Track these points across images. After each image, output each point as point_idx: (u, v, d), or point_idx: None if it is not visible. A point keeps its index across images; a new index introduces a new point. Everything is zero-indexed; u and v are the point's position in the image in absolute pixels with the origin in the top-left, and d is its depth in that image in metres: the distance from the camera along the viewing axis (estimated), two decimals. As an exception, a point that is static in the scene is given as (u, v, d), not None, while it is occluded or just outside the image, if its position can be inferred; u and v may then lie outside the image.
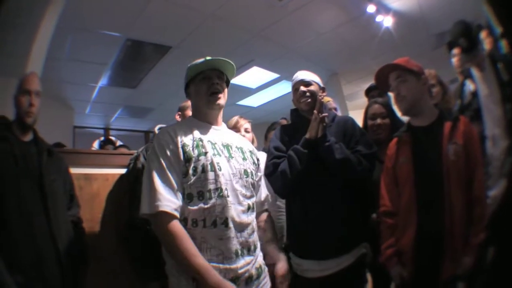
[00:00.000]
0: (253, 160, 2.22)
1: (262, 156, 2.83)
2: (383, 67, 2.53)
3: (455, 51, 3.24)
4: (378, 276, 2.88)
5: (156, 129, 2.99)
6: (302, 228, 2.56)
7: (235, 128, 3.26)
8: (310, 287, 2.54)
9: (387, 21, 6.14)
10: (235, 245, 1.87)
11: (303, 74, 2.78)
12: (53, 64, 5.48)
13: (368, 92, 3.98)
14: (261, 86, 8.49)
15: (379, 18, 6.07)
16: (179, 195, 1.85)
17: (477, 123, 2.67)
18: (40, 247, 2.25)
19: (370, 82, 4.02)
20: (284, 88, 8.41)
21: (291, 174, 2.48)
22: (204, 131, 2.07)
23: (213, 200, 1.85)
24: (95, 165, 3.34)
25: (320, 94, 2.63)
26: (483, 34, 3.61)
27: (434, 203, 2.21)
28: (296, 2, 5.51)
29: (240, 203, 1.97)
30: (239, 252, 1.89)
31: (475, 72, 2.92)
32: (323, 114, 2.49)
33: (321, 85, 2.79)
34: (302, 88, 2.71)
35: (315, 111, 2.52)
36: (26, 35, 4.08)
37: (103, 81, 7.33)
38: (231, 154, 2.06)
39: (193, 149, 1.93)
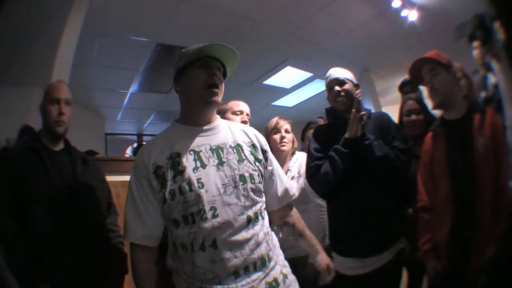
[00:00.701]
0: (255, 156, 1.90)
1: (302, 156, 2.77)
2: (415, 62, 2.54)
3: (475, 43, 3.24)
4: (412, 270, 2.92)
5: None
6: (345, 227, 2.56)
7: (276, 129, 3.23)
8: (350, 284, 2.53)
9: (412, 15, 6.10)
10: (232, 266, 1.66)
11: (336, 72, 2.74)
12: (81, 71, 5.52)
13: (402, 88, 4.01)
14: (295, 85, 8.45)
15: (404, 13, 6.05)
16: (149, 223, 1.75)
17: (500, 114, 2.67)
18: (72, 258, 2.21)
19: (401, 76, 4.14)
20: (318, 86, 8.36)
21: (334, 174, 2.46)
22: (187, 139, 1.81)
23: (196, 224, 1.67)
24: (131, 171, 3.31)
25: (355, 92, 2.64)
26: (497, 24, 3.56)
27: (468, 197, 2.21)
28: (324, 0, 5.50)
29: (235, 219, 1.70)
30: (240, 271, 1.68)
31: (494, 64, 2.94)
32: (362, 113, 2.47)
33: (355, 81, 2.76)
34: (337, 87, 2.67)
35: (353, 110, 2.49)
36: (48, 44, 4.09)
37: (134, 87, 7.39)
38: (222, 159, 1.78)
39: (168, 170, 1.72)
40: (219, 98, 1.83)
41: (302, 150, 3.59)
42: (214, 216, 1.66)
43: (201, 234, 1.66)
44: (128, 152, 10.08)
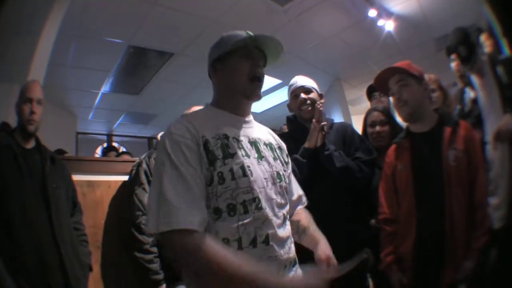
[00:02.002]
0: (283, 158, 1.79)
1: None
2: (384, 70, 2.46)
3: (454, 56, 3.19)
4: (380, 281, 2.83)
5: (159, 137, 2.99)
6: None
7: None
8: None
9: (388, 25, 6.19)
10: (277, 265, 1.46)
11: (302, 80, 2.76)
12: (56, 71, 5.52)
13: (370, 93, 3.86)
14: (264, 91, 8.35)
15: (380, 23, 6.12)
16: (203, 205, 1.38)
17: (479, 129, 2.69)
18: (44, 254, 2.25)
19: None
20: (287, 93, 8.31)
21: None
22: (228, 125, 1.61)
23: (249, 214, 1.42)
24: (98, 172, 3.35)
25: (319, 101, 2.65)
26: (483, 37, 3.64)
27: (435, 210, 2.19)
28: (298, 8, 5.55)
29: (276, 215, 1.54)
30: (280, 272, 1.48)
31: (475, 79, 2.91)
32: (323, 123, 2.49)
33: (319, 91, 2.79)
34: (303, 95, 2.69)
35: (314, 120, 2.51)
36: (28, 42, 4.10)
37: (105, 87, 7.37)
38: (261, 153, 1.62)
39: (218, 149, 1.48)
40: (260, 92, 1.69)
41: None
42: (265, 207, 1.48)
43: (253, 227, 1.43)
44: (98, 151, 10.04)
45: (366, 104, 4.21)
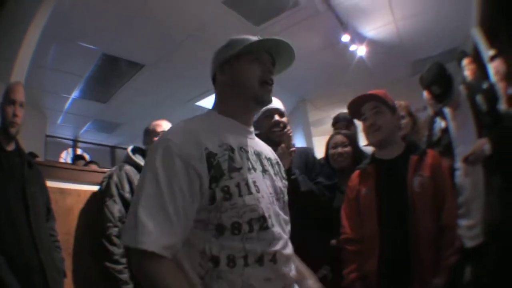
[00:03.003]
0: (282, 174, 1.70)
1: None
2: (360, 96, 2.49)
3: (426, 93, 3.26)
4: None
5: (129, 150, 3.02)
6: None
7: None
8: None
9: (360, 50, 6.31)
10: (283, 282, 1.40)
11: (277, 103, 2.75)
12: (35, 72, 5.47)
13: (335, 124, 3.90)
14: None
15: (352, 48, 6.24)
16: (178, 230, 1.24)
17: (448, 157, 2.81)
18: (27, 257, 2.23)
19: (339, 108, 4.04)
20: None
21: None
22: (234, 133, 1.50)
23: (254, 233, 1.33)
24: (69, 179, 3.32)
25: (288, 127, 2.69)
26: (465, 61, 3.75)
27: (398, 233, 2.25)
28: (272, 28, 5.70)
29: (284, 231, 1.48)
30: None
31: (447, 110, 3.02)
32: (292, 149, 2.51)
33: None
34: (277, 117, 2.70)
35: (283, 145, 2.51)
36: (14, 41, 4.08)
37: (76, 93, 7.34)
38: (264, 167, 1.53)
39: (224, 162, 1.35)
40: (271, 98, 1.58)
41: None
42: (273, 225, 1.39)
43: (259, 245, 1.34)
44: (63, 156, 9.90)
45: (328, 126, 4.28)
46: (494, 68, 3.39)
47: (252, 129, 1.63)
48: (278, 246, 1.38)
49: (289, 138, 2.54)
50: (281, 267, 1.38)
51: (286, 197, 1.63)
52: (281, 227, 1.45)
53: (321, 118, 8.70)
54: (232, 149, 1.40)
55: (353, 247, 2.45)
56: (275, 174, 1.58)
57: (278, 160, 1.76)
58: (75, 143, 10.23)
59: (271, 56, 1.62)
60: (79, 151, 9.71)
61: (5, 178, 2.29)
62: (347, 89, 6.78)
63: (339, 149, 3.03)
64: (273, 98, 2.46)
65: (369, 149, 2.76)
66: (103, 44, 5.78)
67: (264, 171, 1.50)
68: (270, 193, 1.45)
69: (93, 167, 5.42)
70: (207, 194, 1.29)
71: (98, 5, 4.83)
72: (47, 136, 8.81)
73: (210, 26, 5.47)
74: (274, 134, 2.66)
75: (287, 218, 1.58)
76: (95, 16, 5.01)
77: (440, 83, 2.88)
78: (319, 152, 3.55)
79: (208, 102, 7.91)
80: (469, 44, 5.22)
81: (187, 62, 6.38)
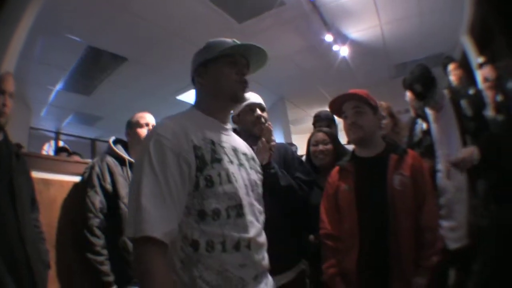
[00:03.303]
0: (256, 168, 1.85)
1: None
2: (343, 95, 2.53)
3: (408, 93, 3.35)
4: None
5: (111, 141, 3.03)
6: None
7: None
8: None
9: (343, 50, 6.35)
10: (255, 269, 1.54)
11: (258, 98, 2.78)
12: (21, 64, 5.44)
13: (316, 122, 3.96)
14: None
15: (335, 48, 6.28)
16: (175, 216, 1.39)
17: (428, 159, 2.86)
18: (13, 249, 2.22)
19: (318, 107, 4.14)
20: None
21: None
22: (214, 130, 1.67)
23: (231, 220, 1.48)
24: (52, 170, 3.32)
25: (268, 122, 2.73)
26: (451, 66, 3.81)
27: (378, 230, 2.28)
28: (255, 27, 5.73)
29: (258, 220, 1.64)
30: (258, 276, 1.57)
31: (430, 112, 3.05)
32: (272, 143, 2.57)
33: None
34: (259, 112, 2.72)
35: (263, 139, 2.56)
36: (5, 31, 4.06)
37: (61, 85, 7.30)
38: (240, 161, 1.69)
39: (207, 153, 1.52)
40: (245, 97, 1.80)
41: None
42: (248, 213, 1.55)
43: (237, 231, 1.49)
44: (45, 148, 9.82)
45: (308, 125, 4.37)
46: (482, 75, 3.42)
47: (228, 126, 1.80)
48: (252, 233, 1.53)
49: (269, 132, 2.60)
50: (255, 254, 1.54)
51: (260, 190, 1.79)
52: (254, 217, 1.61)
53: (301, 117, 8.73)
54: (213, 143, 1.58)
55: (332, 242, 2.48)
56: (251, 168, 1.75)
57: (254, 155, 1.92)
58: (57, 135, 10.16)
59: (245, 58, 1.77)
60: (61, 144, 9.63)
61: None
62: (328, 88, 6.81)
63: (320, 147, 3.07)
64: (254, 94, 2.66)
65: (351, 148, 2.79)
66: (89, 37, 5.77)
67: (240, 164, 1.67)
68: (246, 185, 1.62)
69: (76, 158, 5.41)
70: (192, 182, 1.45)
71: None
72: (31, 128, 8.76)
73: (194, 22, 5.50)
74: (257, 128, 2.69)
75: (261, 208, 1.73)
76: (82, 9, 5.00)
77: (422, 81, 2.91)
78: (299, 150, 3.58)
79: (189, 96, 7.96)
80: (457, 50, 5.28)
81: (169, 56, 6.40)
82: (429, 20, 5.74)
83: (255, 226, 1.58)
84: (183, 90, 7.84)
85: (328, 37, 6.04)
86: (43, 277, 2.45)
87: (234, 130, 2.61)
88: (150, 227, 1.29)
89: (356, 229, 2.36)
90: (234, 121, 2.76)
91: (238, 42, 1.73)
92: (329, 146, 3.08)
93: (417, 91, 2.97)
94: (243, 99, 1.77)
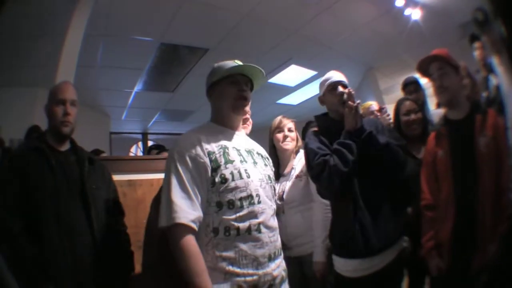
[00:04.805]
0: (270, 166, 2.22)
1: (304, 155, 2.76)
2: (425, 58, 2.57)
3: (476, 44, 3.30)
4: (413, 271, 2.90)
5: None
6: (349, 227, 2.45)
7: (279, 128, 3.25)
8: (353, 287, 2.48)
9: (415, 14, 6.13)
10: (268, 249, 1.89)
11: (337, 75, 2.73)
12: (86, 72, 5.52)
13: (405, 87, 3.99)
14: (300, 84, 8.44)
15: (407, 12, 6.07)
16: (198, 206, 1.80)
17: (502, 116, 2.67)
18: (79, 257, 2.23)
19: (405, 74, 4.12)
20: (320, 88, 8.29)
21: (344, 166, 2.36)
22: (227, 137, 2.05)
23: (244, 208, 1.86)
24: (139, 171, 3.33)
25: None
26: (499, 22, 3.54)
27: (469, 196, 2.26)
28: (328, 1, 5.49)
29: (269, 207, 1.98)
30: (272, 256, 1.91)
31: (496, 61, 2.94)
32: (357, 102, 2.46)
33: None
34: (341, 88, 2.64)
35: (349, 102, 2.47)
36: (52, 44, 4.08)
37: (138, 86, 7.40)
38: (255, 160, 2.06)
39: (220, 157, 1.90)
40: (248, 108, 2.20)
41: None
42: (259, 202, 1.91)
43: (248, 218, 1.85)
44: (133, 151, 10.08)
45: (399, 93, 4.31)
46: None
47: (240, 132, 2.19)
48: (261, 218, 1.90)
49: (350, 95, 2.51)
50: (266, 235, 1.89)
51: (273, 183, 2.16)
52: (266, 204, 1.96)
53: (392, 86, 8.46)
54: (226, 148, 1.96)
55: (432, 213, 2.49)
56: (265, 165, 2.14)
57: (267, 155, 2.29)
58: (144, 135, 10.43)
59: (247, 75, 2.13)
60: (149, 143, 9.84)
61: (55, 179, 2.27)
62: (407, 54, 6.59)
63: (412, 116, 3.09)
64: (336, 72, 2.81)
65: (438, 112, 2.81)
66: (158, 34, 5.74)
67: (255, 162, 2.04)
68: (260, 179, 1.99)
69: (164, 154, 5.40)
70: (209, 180, 1.86)
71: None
72: (111, 133, 9.03)
73: (266, 2, 5.31)
74: (340, 106, 2.59)
75: (273, 198, 2.11)
76: (140, 7, 4.97)
77: (482, 11, 2.91)
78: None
79: (280, 78, 7.90)
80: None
81: (248, 39, 6.27)
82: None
83: (265, 212, 1.93)
84: (272, 73, 7.65)
85: (399, 2, 5.84)
86: (123, 285, 2.52)
87: (320, 117, 2.81)
88: (179, 216, 1.72)
89: (451, 197, 2.36)
90: (320, 102, 2.84)
91: (240, 63, 2.08)
92: (419, 115, 3.10)
93: (479, 20, 2.99)
94: (242, 110, 2.10)
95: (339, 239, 2.59)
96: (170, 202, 1.74)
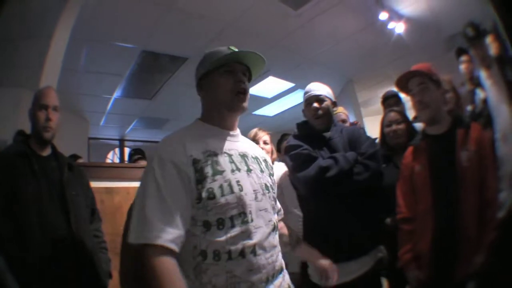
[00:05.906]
0: (269, 171, 1.89)
1: (280, 167, 2.80)
2: (406, 73, 2.55)
3: (463, 58, 3.35)
4: (393, 281, 2.94)
5: None
6: (325, 232, 2.51)
7: (254, 140, 3.19)
8: None
9: (399, 27, 6.22)
10: (265, 273, 1.58)
11: (316, 88, 2.79)
12: (68, 75, 5.50)
13: (385, 101, 4.02)
14: (276, 95, 8.50)
15: (391, 25, 6.15)
16: (179, 222, 1.46)
17: (490, 129, 2.71)
18: (61, 261, 2.23)
19: (386, 87, 4.16)
20: (300, 97, 8.21)
21: (337, 170, 2.46)
22: (218, 139, 1.72)
23: (236, 228, 1.54)
24: (116, 178, 3.33)
25: (332, 109, 2.78)
26: (489, 39, 3.63)
27: (450, 209, 2.27)
28: (311, 12, 5.55)
29: (266, 224, 1.66)
30: (270, 278, 1.61)
31: (484, 73, 2.96)
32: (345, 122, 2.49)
33: (333, 99, 2.83)
34: (316, 104, 2.72)
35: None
36: (39, 46, 4.07)
37: (118, 92, 7.36)
38: (249, 166, 1.73)
39: (206, 166, 1.58)
40: (246, 104, 1.77)
41: (280, 161, 3.58)
42: (252, 220, 1.59)
43: (241, 239, 1.54)
44: (109, 157, 10.02)
45: (377, 106, 4.41)
46: None
47: (236, 132, 1.85)
48: (257, 239, 1.58)
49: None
50: (262, 257, 1.58)
51: (273, 192, 1.82)
52: (262, 220, 1.65)
53: (370, 98, 8.60)
54: (215, 154, 1.65)
55: (409, 226, 2.50)
56: (261, 171, 1.79)
57: (266, 157, 1.97)
58: (121, 142, 10.36)
59: (244, 63, 1.81)
60: (126, 150, 9.79)
61: (39, 184, 2.28)
62: (389, 67, 6.68)
63: (394, 126, 3.13)
64: (314, 84, 2.85)
65: (419, 125, 2.83)
66: (140, 41, 5.75)
67: (249, 170, 1.71)
68: (254, 190, 1.67)
69: (142, 163, 5.39)
70: (194, 193, 1.54)
71: (126, 4, 4.82)
72: (90, 138, 8.96)
73: (249, 12, 5.36)
74: (317, 123, 2.71)
75: (272, 211, 1.77)
76: (125, 14, 4.98)
77: (473, 24, 2.92)
78: (371, 132, 3.57)
79: (257, 89, 7.90)
80: (490, 20, 5.07)
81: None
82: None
83: (261, 231, 1.62)
84: (252, 82, 7.63)
85: (383, 15, 5.91)
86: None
87: (300, 124, 2.78)
88: (153, 236, 1.40)
89: (430, 210, 2.36)
90: (303, 115, 2.87)
91: (235, 49, 1.77)
92: (402, 126, 3.11)
93: (469, 35, 2.98)
94: (240, 108, 1.76)
95: (316, 242, 2.50)
96: (144, 217, 1.43)
